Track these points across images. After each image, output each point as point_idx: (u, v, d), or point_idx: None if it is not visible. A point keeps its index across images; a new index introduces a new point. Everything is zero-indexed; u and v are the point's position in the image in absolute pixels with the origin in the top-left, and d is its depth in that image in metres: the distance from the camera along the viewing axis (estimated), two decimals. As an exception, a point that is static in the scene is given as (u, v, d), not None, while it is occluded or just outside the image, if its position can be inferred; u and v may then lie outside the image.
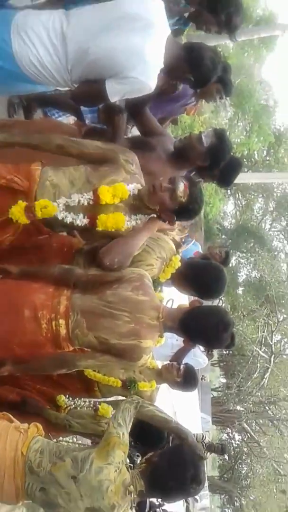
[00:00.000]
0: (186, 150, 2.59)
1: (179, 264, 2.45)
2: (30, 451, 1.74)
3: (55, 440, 1.95)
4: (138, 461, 2.67)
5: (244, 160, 16.36)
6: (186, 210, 2.09)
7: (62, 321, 1.95)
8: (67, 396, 2.81)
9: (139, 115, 2.68)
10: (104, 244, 2.14)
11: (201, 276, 2.49)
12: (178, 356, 3.95)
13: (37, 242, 2.34)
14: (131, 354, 1.98)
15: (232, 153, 2.82)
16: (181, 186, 2.04)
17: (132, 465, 2.20)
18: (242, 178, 13.21)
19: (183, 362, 3.31)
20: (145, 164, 2.39)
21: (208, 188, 11.69)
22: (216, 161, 2.61)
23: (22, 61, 2.21)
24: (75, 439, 3.08)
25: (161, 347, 3.99)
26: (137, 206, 2.12)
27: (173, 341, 4.02)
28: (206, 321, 2.04)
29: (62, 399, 2.74)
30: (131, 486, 1.80)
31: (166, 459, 1.87)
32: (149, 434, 2.81)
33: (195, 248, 5.05)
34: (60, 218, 2.07)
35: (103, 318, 1.95)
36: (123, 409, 1.91)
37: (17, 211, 2.04)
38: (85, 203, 2.07)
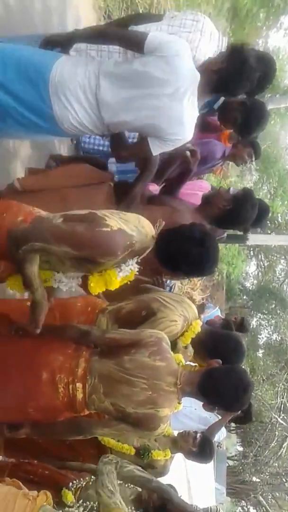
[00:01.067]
0: (212, 197, 2.82)
1: (199, 329, 2.42)
2: None
3: (61, 511, 1.85)
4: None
5: (268, 222, 16.45)
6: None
7: (79, 385, 1.92)
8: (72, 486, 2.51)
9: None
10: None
11: (220, 346, 2.45)
12: (212, 430, 3.81)
13: (61, 301, 2.37)
14: (148, 423, 1.92)
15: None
16: None
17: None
18: (265, 239, 13.23)
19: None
20: (168, 201, 2.71)
21: (231, 249, 11.73)
22: (238, 208, 2.77)
23: (64, 123, 2.33)
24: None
25: (188, 419, 3.92)
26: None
27: (201, 413, 3.93)
28: (225, 383, 1.97)
29: (70, 496, 2.36)
30: None
31: None
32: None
33: (215, 312, 5.05)
34: (55, 287, 2.04)
35: (120, 385, 1.91)
36: (107, 473, 1.83)
37: (15, 285, 2.01)
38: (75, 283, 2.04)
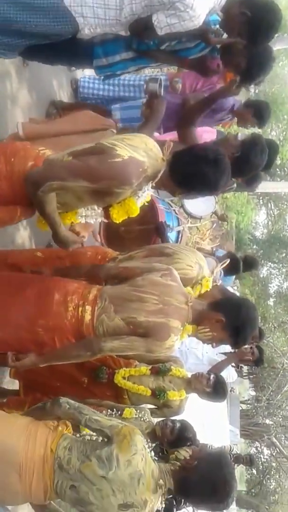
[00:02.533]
0: (220, 145, 2.66)
1: (209, 286, 2.39)
2: (59, 448, 1.73)
3: (78, 435, 1.90)
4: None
5: (277, 169, 16.15)
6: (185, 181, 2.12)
7: (88, 307, 1.96)
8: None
9: (185, 129, 2.76)
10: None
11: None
12: (218, 368, 3.91)
13: (71, 251, 2.38)
14: (158, 331, 1.93)
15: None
16: None
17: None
18: (275, 187, 13.02)
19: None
20: (176, 148, 2.50)
21: (240, 197, 11.58)
22: (247, 154, 2.69)
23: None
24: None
25: (200, 362, 4.01)
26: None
27: (211, 356, 4.01)
28: (236, 311, 2.01)
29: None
30: (161, 480, 1.77)
31: (200, 474, 1.81)
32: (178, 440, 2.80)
33: (228, 282, 5.03)
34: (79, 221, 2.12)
35: (131, 302, 1.95)
36: (80, 407, 1.87)
37: (42, 225, 2.08)
38: (98, 219, 2.13)
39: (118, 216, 2.03)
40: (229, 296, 2.34)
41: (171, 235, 3.85)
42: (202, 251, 5.33)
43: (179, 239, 4.12)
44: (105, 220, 2.20)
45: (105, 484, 1.67)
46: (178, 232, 4.07)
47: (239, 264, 4.53)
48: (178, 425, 2.87)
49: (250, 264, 4.82)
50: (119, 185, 1.90)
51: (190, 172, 2.02)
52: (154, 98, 2.55)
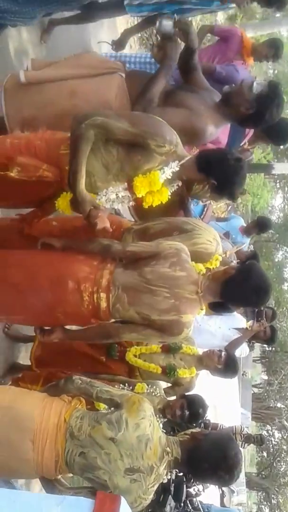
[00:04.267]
0: (233, 95, 2.43)
1: (217, 265, 2.33)
2: (72, 418, 1.78)
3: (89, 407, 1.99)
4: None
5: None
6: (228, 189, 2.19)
7: (103, 295, 1.98)
8: None
9: (192, 76, 2.54)
10: None
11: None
12: (234, 345, 3.93)
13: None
14: (172, 329, 1.99)
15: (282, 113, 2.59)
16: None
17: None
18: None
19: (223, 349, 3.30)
20: (186, 100, 2.41)
21: (257, 179, 11.46)
22: (262, 111, 2.41)
23: None
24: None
25: (213, 337, 4.01)
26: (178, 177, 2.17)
27: (225, 331, 4.01)
28: (246, 287, 1.98)
29: (102, 404, 2.40)
30: (168, 448, 1.81)
31: (210, 443, 1.85)
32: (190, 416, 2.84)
33: (238, 222, 5.06)
34: (107, 207, 2.13)
35: (143, 294, 1.97)
36: (91, 381, 1.91)
37: (63, 204, 2.08)
38: (123, 195, 2.12)
39: (141, 186, 2.04)
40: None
41: (197, 208, 3.82)
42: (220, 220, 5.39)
43: (204, 212, 4.08)
44: (133, 203, 2.20)
45: (113, 447, 1.72)
46: (204, 205, 4.03)
47: (258, 225, 4.94)
48: (188, 401, 2.90)
49: (264, 224, 4.95)
50: (155, 135, 1.98)
51: (213, 171, 2.12)
52: (167, 39, 2.40)
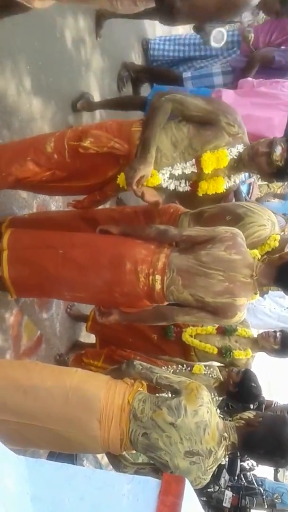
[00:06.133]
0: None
1: (276, 244, 2.36)
2: (135, 400, 1.89)
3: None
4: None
5: None
6: (284, 173, 2.21)
7: (158, 277, 2.04)
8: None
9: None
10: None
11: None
12: None
13: (143, 206, 2.46)
14: (225, 312, 2.02)
15: None
16: (278, 150, 2.14)
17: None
18: None
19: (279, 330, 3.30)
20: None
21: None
22: None
23: None
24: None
25: (268, 317, 4.03)
26: (237, 167, 2.23)
27: (280, 312, 4.02)
28: None
29: None
30: (225, 433, 1.90)
31: (264, 430, 1.92)
32: (244, 392, 2.93)
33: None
34: (164, 186, 2.19)
35: (198, 277, 2.02)
36: (151, 367, 1.99)
37: (124, 180, 2.15)
38: (189, 172, 2.17)
39: (208, 161, 2.13)
40: None
41: (243, 188, 3.82)
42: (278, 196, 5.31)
43: (250, 191, 4.08)
44: (188, 188, 2.24)
45: (173, 431, 1.81)
46: (249, 184, 4.03)
47: None
48: (243, 370, 2.97)
49: None
50: (228, 114, 2.14)
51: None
52: None
